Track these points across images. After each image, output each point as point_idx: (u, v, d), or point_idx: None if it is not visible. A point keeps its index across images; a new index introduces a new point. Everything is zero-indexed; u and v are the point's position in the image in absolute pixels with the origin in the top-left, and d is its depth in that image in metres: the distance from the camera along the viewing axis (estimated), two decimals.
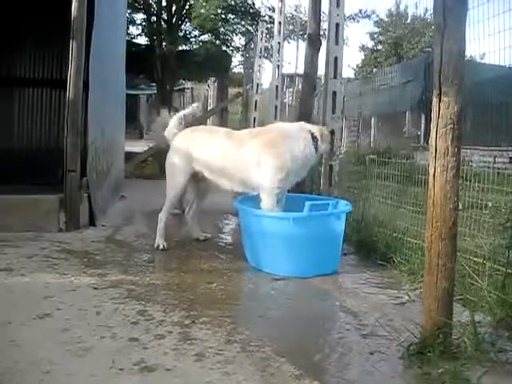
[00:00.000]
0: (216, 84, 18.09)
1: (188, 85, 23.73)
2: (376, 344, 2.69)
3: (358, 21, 19.42)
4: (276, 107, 8.91)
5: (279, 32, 9.10)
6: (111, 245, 4.60)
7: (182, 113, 4.70)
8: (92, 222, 5.21)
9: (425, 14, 27.70)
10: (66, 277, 3.60)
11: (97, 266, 3.91)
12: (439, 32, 2.47)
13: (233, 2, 14.42)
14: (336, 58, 5.34)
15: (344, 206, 4.18)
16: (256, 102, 9.99)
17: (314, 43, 5.77)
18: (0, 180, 5.11)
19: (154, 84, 14.21)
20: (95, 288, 3.39)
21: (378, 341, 2.73)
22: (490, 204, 3.42)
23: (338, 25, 5.36)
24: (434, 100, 2.51)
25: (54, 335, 2.64)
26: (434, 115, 2.51)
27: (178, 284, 3.56)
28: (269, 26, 11.60)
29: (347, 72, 30.39)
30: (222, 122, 14.09)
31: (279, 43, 9.13)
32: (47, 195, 4.99)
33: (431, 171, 2.52)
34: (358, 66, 33.23)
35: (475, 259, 3.28)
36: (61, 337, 2.63)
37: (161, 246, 4.46)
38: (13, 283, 3.43)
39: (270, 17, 13.99)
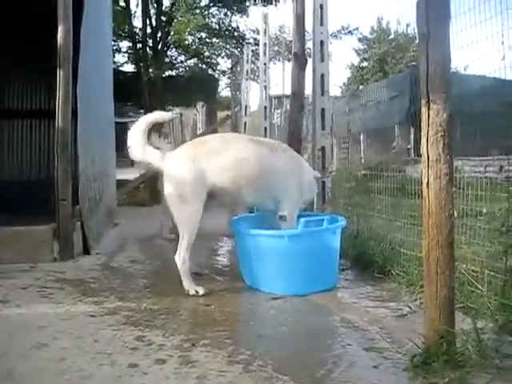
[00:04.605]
0: (204, 108, 18.16)
1: (177, 110, 23.83)
2: (379, 357, 2.66)
3: (341, 37, 19.67)
4: (265, 128, 8.93)
5: (264, 53, 9.16)
6: (106, 272, 4.56)
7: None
8: (86, 251, 5.18)
9: (407, 30, 28.06)
10: (62, 306, 3.56)
11: (93, 293, 3.87)
12: (423, 41, 2.49)
13: (217, 26, 14.56)
14: (322, 75, 5.38)
15: (338, 221, 4.17)
16: (245, 123, 10.00)
17: (299, 61, 5.82)
18: None
19: (143, 111, 14.24)
20: (92, 316, 3.35)
21: (381, 354, 2.70)
22: (484, 210, 3.42)
23: (322, 42, 5.41)
24: (423, 109, 2.52)
25: (51, 365, 2.60)
26: (423, 124, 2.52)
27: (176, 308, 3.53)
28: (254, 48, 11.70)
29: (334, 90, 30.71)
30: None
31: (265, 64, 9.19)
32: (40, 226, 4.95)
33: (424, 180, 2.52)
34: (344, 83, 33.59)
35: (473, 267, 3.28)
36: (59, 366, 2.58)
37: (194, 291, 3.84)
38: (8, 314, 3.38)
39: (255, 39, 14.12)
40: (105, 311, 3.45)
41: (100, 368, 2.56)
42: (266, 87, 9.18)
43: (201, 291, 3.81)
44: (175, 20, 13.83)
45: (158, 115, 4.22)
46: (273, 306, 3.60)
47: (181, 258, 3.90)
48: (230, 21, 14.78)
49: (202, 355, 2.72)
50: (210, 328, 3.12)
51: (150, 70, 13.03)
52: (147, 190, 10.06)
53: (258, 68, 10.08)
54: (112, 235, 6.42)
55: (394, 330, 3.02)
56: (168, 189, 3.92)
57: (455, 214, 2.60)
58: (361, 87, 21.71)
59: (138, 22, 13.40)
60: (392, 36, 30.92)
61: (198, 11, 13.89)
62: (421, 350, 2.53)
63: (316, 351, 2.79)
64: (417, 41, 2.64)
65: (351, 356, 2.71)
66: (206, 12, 14.24)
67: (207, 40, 14.87)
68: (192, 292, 3.81)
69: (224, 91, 20.58)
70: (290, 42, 8.78)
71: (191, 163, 3.90)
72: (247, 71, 10.62)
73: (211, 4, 14.22)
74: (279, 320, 3.33)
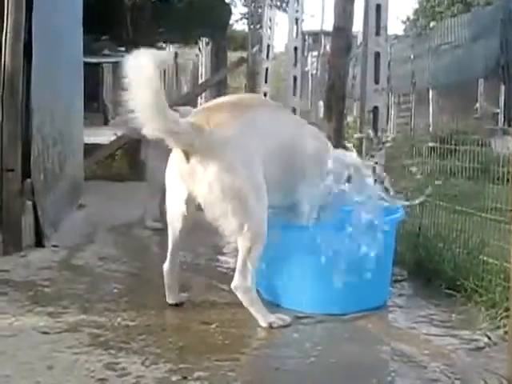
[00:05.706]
0: (210, 47, 18.13)
1: (170, 49, 23.81)
2: None
3: None
4: (295, 78, 8.92)
5: None
6: (67, 272, 4.61)
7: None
8: (39, 242, 5.22)
9: None
10: (5, 317, 3.60)
11: (47, 302, 3.90)
12: None
13: None
14: (379, 6, 5.35)
15: (393, 212, 4.15)
16: (267, 70, 10.00)
17: None
18: None
19: (123, 48, 14.27)
20: (45, 333, 3.39)
21: None
22: None
23: None
24: None
25: None
26: None
27: (162, 325, 3.57)
28: None
29: (394, 27, 30.48)
30: None
31: None
32: None
33: None
34: (408, 18, 33.28)
35: None
36: None
37: (279, 322, 3.63)
38: None
39: None
40: (63, 327, 3.48)
41: None
42: (297, 20, 9.15)
43: (287, 318, 3.65)
44: None
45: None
46: (297, 328, 3.61)
47: (246, 283, 3.63)
48: None
49: None
50: (209, 355, 3.14)
51: None
52: (126, 159, 10.10)
53: None
54: (76, 221, 6.47)
55: (466, 368, 3.03)
56: (234, 178, 3.51)
57: None
58: (432, 24, 21.44)
59: None
60: None
61: None
62: None
63: None
64: None
65: None
66: None
67: None
68: (277, 324, 3.59)
69: (238, 24, 20.53)
70: None
71: (254, 138, 3.66)
72: None
73: None
74: (305, 348, 3.34)
